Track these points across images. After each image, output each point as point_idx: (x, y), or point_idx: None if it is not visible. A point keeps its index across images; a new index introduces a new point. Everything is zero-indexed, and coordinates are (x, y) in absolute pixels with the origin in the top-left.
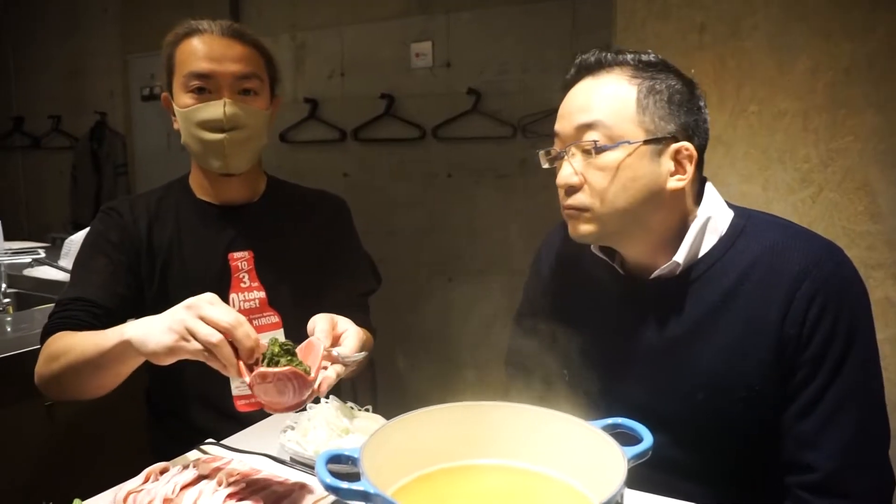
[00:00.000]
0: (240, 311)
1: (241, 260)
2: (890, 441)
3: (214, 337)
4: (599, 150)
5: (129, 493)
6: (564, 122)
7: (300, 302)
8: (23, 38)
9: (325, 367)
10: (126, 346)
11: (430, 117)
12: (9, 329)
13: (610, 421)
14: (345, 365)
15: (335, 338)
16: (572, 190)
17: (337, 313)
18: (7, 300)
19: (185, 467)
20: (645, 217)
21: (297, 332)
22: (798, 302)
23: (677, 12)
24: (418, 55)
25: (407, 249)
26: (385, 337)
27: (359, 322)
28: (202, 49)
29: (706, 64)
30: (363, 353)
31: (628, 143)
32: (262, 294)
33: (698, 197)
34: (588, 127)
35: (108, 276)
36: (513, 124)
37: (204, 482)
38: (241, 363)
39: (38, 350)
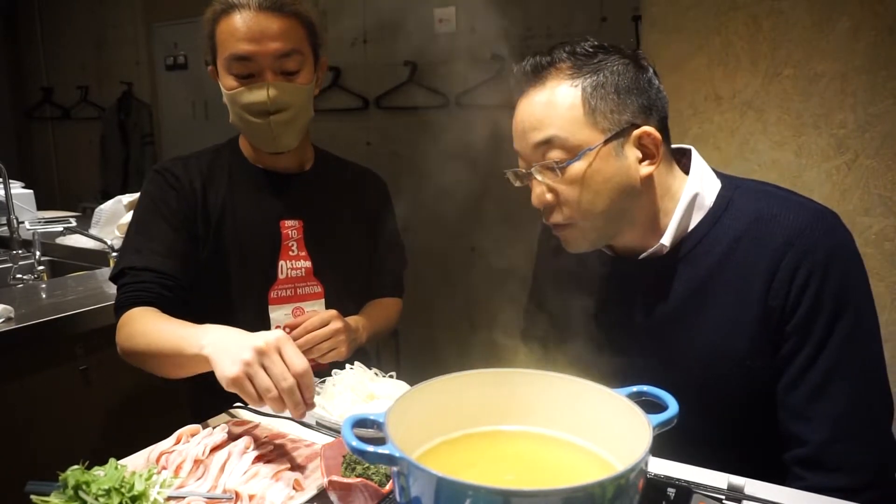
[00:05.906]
0: (286, 278)
1: (291, 228)
2: (893, 416)
3: (287, 382)
4: (563, 167)
5: (161, 454)
6: (521, 142)
7: (342, 275)
8: (50, 9)
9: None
10: (202, 360)
11: (454, 84)
12: (43, 295)
13: (635, 389)
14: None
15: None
16: (549, 208)
17: (381, 292)
18: (41, 268)
19: (215, 430)
20: (627, 210)
21: (337, 304)
22: (782, 272)
23: None
24: (441, 20)
25: (429, 218)
26: (407, 306)
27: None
28: (241, 28)
29: (739, 25)
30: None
31: (589, 149)
32: (309, 264)
33: (678, 163)
34: (545, 144)
35: (172, 243)
36: None
37: (232, 444)
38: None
39: (73, 315)
